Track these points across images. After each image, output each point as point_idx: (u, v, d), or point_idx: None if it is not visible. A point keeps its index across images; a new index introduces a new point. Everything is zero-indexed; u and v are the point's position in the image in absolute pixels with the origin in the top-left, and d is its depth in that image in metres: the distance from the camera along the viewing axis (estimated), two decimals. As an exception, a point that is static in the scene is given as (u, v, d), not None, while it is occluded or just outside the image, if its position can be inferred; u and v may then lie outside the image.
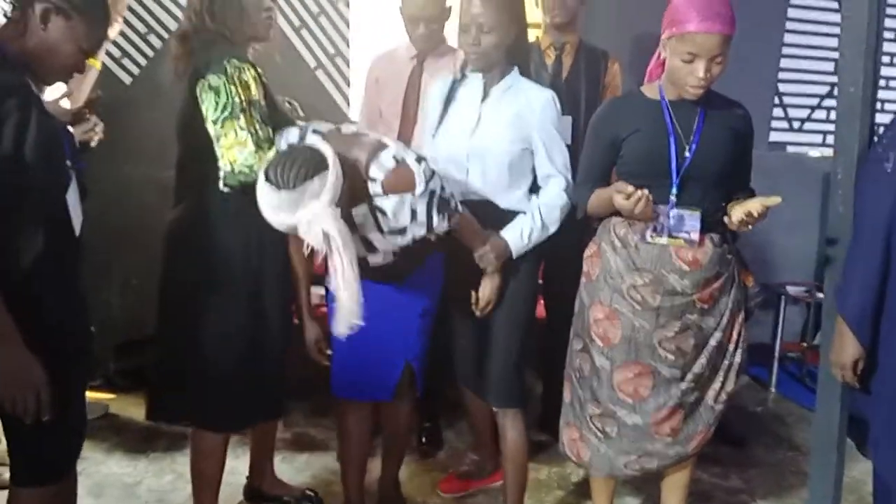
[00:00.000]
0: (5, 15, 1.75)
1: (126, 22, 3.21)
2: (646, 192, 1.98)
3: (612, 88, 2.93)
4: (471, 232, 2.16)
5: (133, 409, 3.19)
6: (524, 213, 2.25)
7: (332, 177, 1.73)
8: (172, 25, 3.45)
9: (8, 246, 1.65)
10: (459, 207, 2.06)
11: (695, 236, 2.08)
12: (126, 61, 3.47)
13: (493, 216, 2.23)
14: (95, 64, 2.68)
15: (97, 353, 2.08)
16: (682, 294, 2.11)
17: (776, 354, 3.84)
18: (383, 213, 1.93)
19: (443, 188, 1.96)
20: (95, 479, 2.72)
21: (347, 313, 1.78)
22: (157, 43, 3.48)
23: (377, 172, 1.90)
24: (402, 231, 1.97)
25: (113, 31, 2.78)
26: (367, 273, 1.95)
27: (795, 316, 4.01)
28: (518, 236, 2.21)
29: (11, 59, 1.68)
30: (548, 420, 2.83)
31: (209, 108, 2.05)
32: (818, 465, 2.32)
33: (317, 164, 1.74)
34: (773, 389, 3.82)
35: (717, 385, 2.21)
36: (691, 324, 2.14)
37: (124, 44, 3.40)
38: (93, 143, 2.42)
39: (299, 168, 1.72)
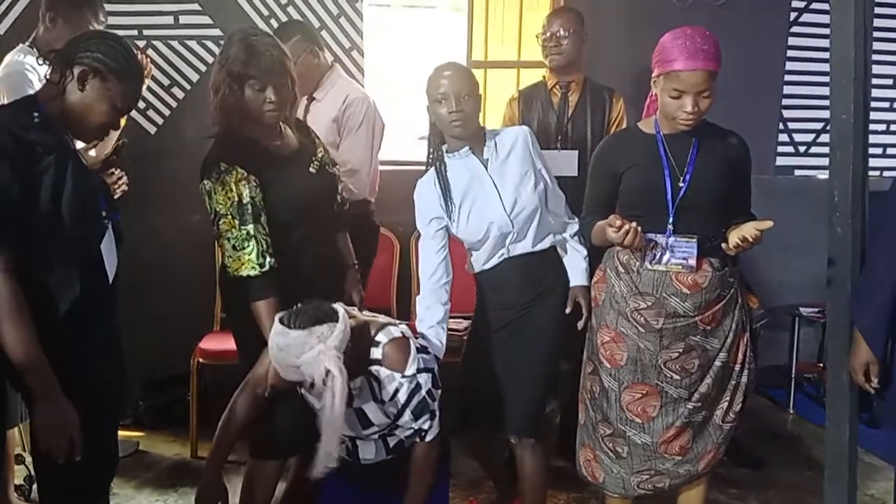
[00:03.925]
0: (46, 77, 1.87)
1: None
2: (634, 224, 2.08)
3: (618, 123, 3.01)
4: None
5: (162, 446, 3.30)
6: (556, 243, 2.40)
7: (340, 326, 1.87)
8: (193, 77, 3.62)
9: (45, 294, 1.76)
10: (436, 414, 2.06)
11: (692, 262, 2.17)
12: (151, 112, 3.63)
13: (538, 263, 2.36)
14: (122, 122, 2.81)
15: (127, 391, 2.17)
16: (685, 316, 2.19)
17: (793, 375, 3.86)
18: (378, 381, 2.00)
19: (430, 391, 2.01)
20: (127, 513, 2.81)
21: (325, 456, 1.87)
22: (179, 94, 3.64)
23: (383, 338, 2.00)
24: (396, 409, 2.00)
25: (143, 88, 2.92)
26: (358, 478, 2.03)
27: (810, 337, 4.03)
28: (584, 275, 2.40)
29: (50, 118, 1.79)
30: (566, 446, 2.88)
31: (208, 208, 2.20)
32: (832, 484, 2.34)
33: (328, 314, 1.89)
34: (790, 411, 3.83)
35: (724, 404, 2.27)
36: (695, 345, 2.21)
37: (148, 95, 3.55)
38: (117, 194, 2.56)
39: (311, 314, 1.87)
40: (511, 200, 2.29)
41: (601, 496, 2.47)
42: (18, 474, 2.79)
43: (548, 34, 2.98)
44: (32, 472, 2.59)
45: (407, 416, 1.99)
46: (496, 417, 2.43)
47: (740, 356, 2.27)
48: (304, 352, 1.82)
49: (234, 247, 2.16)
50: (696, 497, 2.39)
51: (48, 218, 1.73)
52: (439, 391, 2.06)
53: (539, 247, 2.36)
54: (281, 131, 2.31)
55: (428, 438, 2.03)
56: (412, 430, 2.02)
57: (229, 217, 2.15)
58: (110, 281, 1.93)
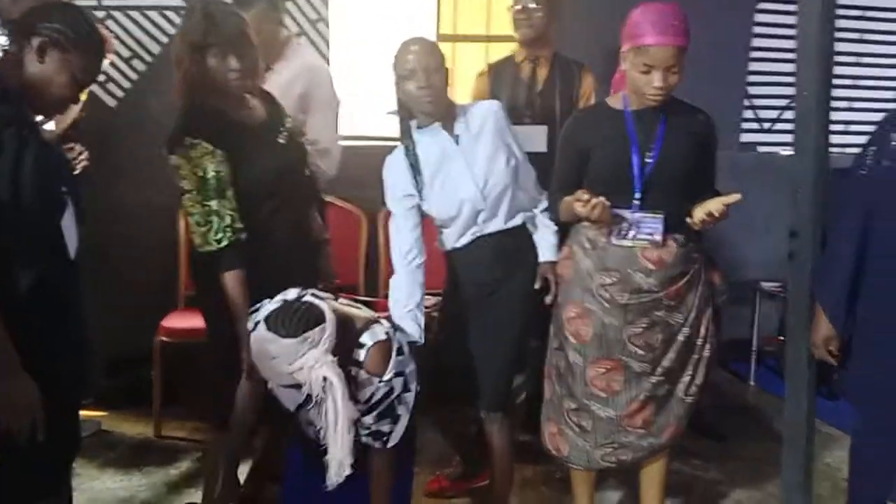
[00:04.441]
0: (2, 49, 1.82)
1: (108, 47, 3.28)
2: (602, 199, 2.08)
3: (586, 98, 3.01)
4: None
5: (125, 426, 3.27)
6: (527, 219, 2.39)
7: (329, 328, 1.81)
8: (155, 48, 3.54)
9: (4, 271, 1.72)
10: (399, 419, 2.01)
11: (658, 238, 2.18)
12: (111, 85, 3.55)
13: (510, 240, 2.35)
14: (82, 96, 2.75)
15: (90, 371, 2.14)
16: (649, 292, 2.21)
17: (754, 349, 3.94)
18: (356, 382, 1.94)
19: (399, 396, 1.97)
20: (89, 494, 2.77)
21: (337, 465, 1.82)
22: (140, 66, 3.56)
23: (368, 340, 1.94)
24: (364, 409, 1.96)
25: (104, 63, 2.84)
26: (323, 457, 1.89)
27: (771, 311, 4.11)
28: (553, 251, 2.39)
29: (9, 91, 1.74)
30: (532, 420, 2.90)
31: (177, 183, 2.17)
32: (790, 454, 2.40)
33: (316, 317, 1.82)
34: (752, 383, 3.91)
35: (686, 378, 2.31)
36: (659, 320, 2.23)
37: (108, 68, 3.47)
38: (78, 170, 2.50)
39: (300, 318, 1.80)
40: (483, 177, 2.28)
41: (566, 469, 2.50)
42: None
43: (519, 6, 2.95)
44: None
45: (371, 417, 1.95)
46: (465, 393, 2.44)
47: (703, 331, 2.30)
48: (297, 359, 1.78)
49: (197, 222, 2.14)
50: (659, 469, 2.42)
51: (7, 193, 1.69)
52: (410, 394, 2.00)
53: (511, 224, 2.35)
54: (247, 102, 2.28)
55: (390, 443, 1.98)
56: (370, 432, 1.97)
57: (194, 192, 2.13)
58: (72, 258, 1.89)
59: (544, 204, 2.43)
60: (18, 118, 1.74)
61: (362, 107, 3.89)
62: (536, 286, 2.38)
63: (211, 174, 2.12)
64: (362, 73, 3.85)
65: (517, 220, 2.37)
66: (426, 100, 2.20)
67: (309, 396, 1.82)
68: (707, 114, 2.30)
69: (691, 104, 2.29)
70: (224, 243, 2.13)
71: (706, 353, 2.31)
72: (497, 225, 2.33)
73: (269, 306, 1.90)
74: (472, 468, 2.80)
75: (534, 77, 3.01)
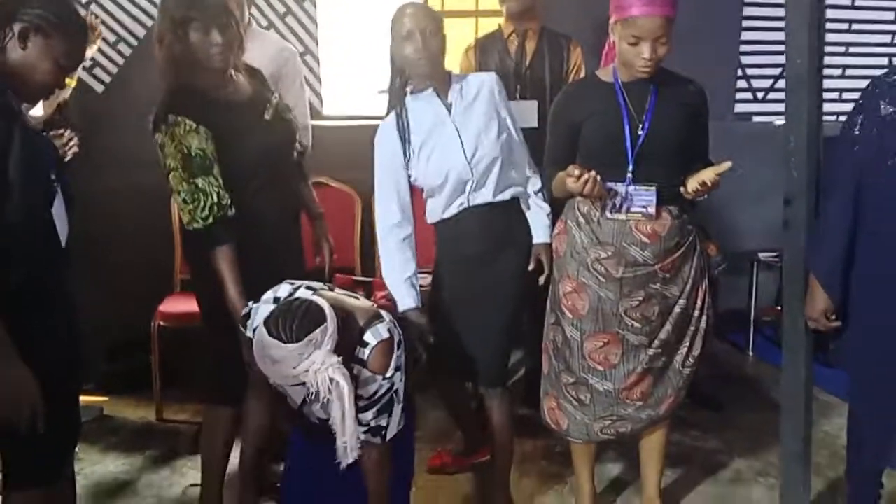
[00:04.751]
0: None
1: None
2: (593, 173, 2.07)
3: (575, 72, 3.00)
4: None
5: (127, 410, 3.28)
6: (518, 196, 2.38)
7: (331, 327, 1.74)
8: (140, 32, 3.51)
9: None
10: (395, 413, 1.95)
11: (651, 210, 2.18)
12: (97, 70, 3.52)
13: (499, 214, 2.34)
14: (71, 82, 2.73)
15: (89, 357, 2.15)
16: (644, 265, 2.21)
17: (752, 319, 3.95)
18: (357, 380, 1.86)
19: (397, 390, 1.92)
20: (92, 479, 2.79)
21: (345, 449, 1.78)
22: (126, 51, 3.53)
23: (371, 338, 1.87)
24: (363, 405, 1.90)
25: (91, 51, 2.82)
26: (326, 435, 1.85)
27: (769, 281, 4.11)
28: (547, 232, 2.39)
29: None
30: (532, 395, 2.92)
31: (162, 162, 2.17)
32: (788, 422, 2.42)
33: (317, 317, 1.74)
34: (750, 353, 3.93)
35: (683, 350, 2.32)
36: (654, 293, 2.24)
37: (94, 53, 3.44)
38: (69, 156, 2.48)
39: (301, 320, 1.72)
40: (472, 147, 2.26)
41: (566, 443, 2.52)
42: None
43: None
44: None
45: (370, 413, 1.90)
46: (463, 369, 2.45)
47: (699, 302, 2.30)
48: (302, 362, 1.72)
49: (184, 200, 2.14)
50: (658, 440, 2.44)
51: None
52: (403, 384, 1.95)
53: (500, 197, 2.33)
54: (231, 78, 2.26)
55: (388, 437, 1.94)
56: (368, 428, 1.92)
57: (179, 170, 2.12)
58: (63, 245, 1.89)
59: (538, 183, 2.42)
60: (2, 107, 1.72)
61: (352, 86, 3.86)
62: (530, 267, 2.38)
63: (196, 151, 2.11)
64: (351, 52, 3.81)
65: (506, 195, 2.35)
66: (422, 62, 2.19)
67: (314, 393, 1.78)
68: (698, 84, 2.29)
69: (682, 75, 2.28)
70: (211, 220, 2.13)
71: (703, 324, 2.32)
72: (485, 197, 2.31)
73: (263, 308, 1.85)
74: (474, 444, 2.82)
75: (522, 51, 2.99)
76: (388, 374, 1.88)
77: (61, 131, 2.62)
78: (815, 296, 2.09)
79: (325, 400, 1.74)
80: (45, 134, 2.20)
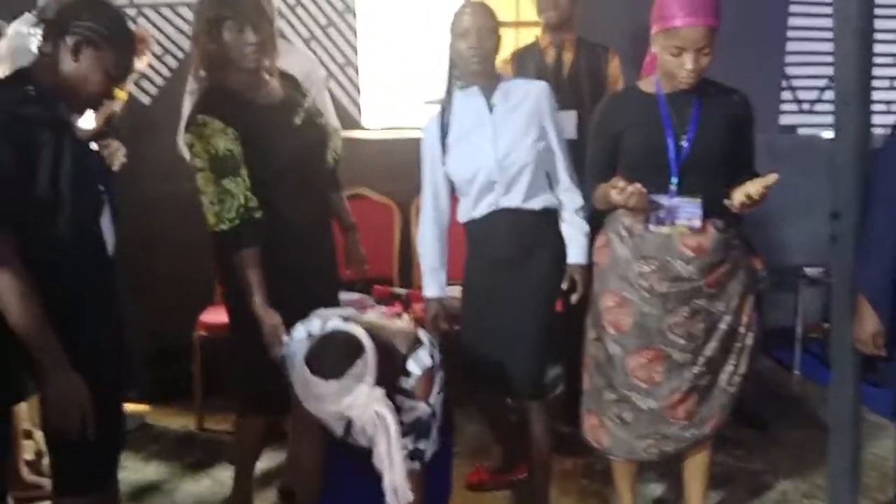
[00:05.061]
0: (39, 49, 1.84)
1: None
2: (638, 185, 2.05)
3: (613, 82, 2.97)
4: None
5: (167, 419, 3.32)
6: (551, 208, 2.38)
7: (371, 357, 1.72)
8: (186, 44, 3.56)
9: (47, 271, 1.74)
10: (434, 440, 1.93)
11: (696, 223, 2.14)
12: (144, 83, 3.59)
13: (530, 223, 2.36)
14: (122, 95, 2.77)
15: (131, 366, 2.18)
16: (689, 280, 2.17)
17: (797, 336, 3.86)
18: (400, 409, 1.82)
19: (435, 410, 1.90)
20: (135, 486, 2.82)
21: (394, 492, 1.74)
22: (172, 63, 3.59)
23: (415, 368, 1.85)
24: (410, 430, 1.87)
25: (141, 64, 2.88)
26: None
27: (815, 297, 4.01)
28: (583, 253, 2.38)
29: (45, 91, 1.77)
30: (572, 412, 2.88)
31: (190, 162, 2.19)
32: (836, 443, 2.35)
33: (356, 348, 1.72)
34: (796, 371, 3.83)
35: (729, 368, 2.26)
36: (700, 308, 2.19)
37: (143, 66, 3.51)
38: (115, 167, 2.53)
39: (340, 354, 1.70)
40: (504, 149, 2.29)
41: (606, 461, 2.48)
42: (28, 449, 2.82)
43: None
44: (42, 448, 2.61)
45: (410, 438, 1.86)
46: (495, 378, 2.44)
47: (745, 319, 2.25)
48: (346, 396, 1.69)
49: (211, 201, 2.15)
50: (702, 460, 2.39)
51: (47, 194, 1.72)
52: (441, 405, 1.91)
53: (529, 205, 2.34)
54: (264, 81, 2.27)
55: (426, 459, 1.91)
56: (408, 452, 1.87)
57: (207, 171, 2.14)
58: (110, 254, 1.92)
59: (578, 200, 2.40)
60: (55, 119, 1.76)
61: (393, 97, 3.88)
62: (564, 286, 2.38)
63: (224, 152, 2.12)
64: (390, 63, 3.83)
65: (537, 204, 2.35)
66: (474, 59, 2.27)
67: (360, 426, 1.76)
68: (742, 93, 2.25)
69: (726, 85, 2.24)
70: (238, 222, 2.13)
71: (749, 341, 2.26)
72: (513, 201, 2.33)
73: (297, 345, 1.79)
74: (512, 460, 2.79)
75: (559, 62, 2.97)
76: (431, 401, 1.85)
77: (108, 142, 2.67)
78: (863, 317, 2.03)
79: (372, 435, 1.72)
80: (93, 145, 2.24)
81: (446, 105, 2.38)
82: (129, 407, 3.23)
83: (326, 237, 2.42)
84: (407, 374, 1.83)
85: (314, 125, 2.35)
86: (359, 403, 1.69)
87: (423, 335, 1.90)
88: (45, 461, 2.45)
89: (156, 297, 3.46)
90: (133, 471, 2.91)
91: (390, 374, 1.79)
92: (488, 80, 2.34)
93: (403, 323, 1.97)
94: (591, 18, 3.18)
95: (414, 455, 1.88)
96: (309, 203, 2.31)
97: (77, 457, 1.84)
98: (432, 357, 1.86)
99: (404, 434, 1.82)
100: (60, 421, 1.75)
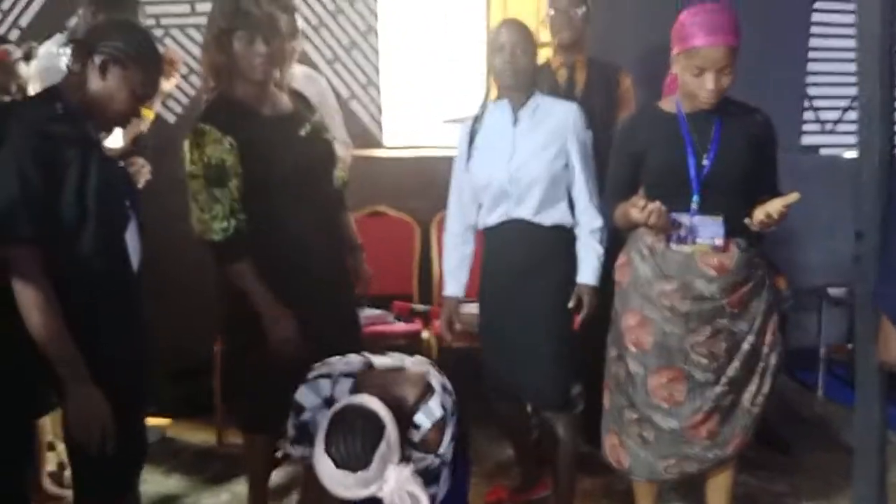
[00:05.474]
0: (67, 67, 1.89)
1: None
2: (657, 204, 2.05)
3: (625, 102, 2.96)
4: None
5: (188, 433, 3.34)
6: (565, 226, 2.41)
7: (393, 434, 1.63)
8: (212, 65, 3.62)
9: (72, 285, 1.77)
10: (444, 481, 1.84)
11: (719, 242, 2.14)
12: (170, 102, 3.64)
13: (541, 237, 2.39)
14: (149, 114, 2.82)
15: (153, 380, 2.20)
16: (711, 299, 2.16)
17: (821, 357, 3.81)
18: (409, 460, 1.73)
19: (445, 458, 1.81)
20: (156, 499, 2.83)
21: None
22: (197, 83, 3.64)
23: (424, 420, 1.76)
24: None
25: (169, 85, 2.93)
26: None
27: (838, 318, 3.97)
28: (593, 274, 2.40)
29: (73, 109, 1.81)
30: (591, 431, 2.87)
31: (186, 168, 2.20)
32: (861, 465, 2.32)
33: (376, 429, 1.61)
34: (819, 393, 3.79)
35: (752, 388, 2.24)
36: (722, 328, 2.18)
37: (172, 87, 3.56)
38: (141, 184, 2.57)
39: (363, 442, 1.59)
40: (519, 161, 2.36)
41: (627, 481, 2.46)
42: (50, 461, 2.84)
43: (557, 8, 2.91)
44: (64, 459, 2.63)
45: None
46: (514, 386, 2.48)
47: (768, 338, 2.24)
48: (375, 481, 1.60)
49: (201, 209, 2.16)
50: (725, 481, 2.36)
51: (73, 210, 1.75)
52: (452, 448, 1.82)
53: (540, 219, 2.38)
54: (272, 93, 2.28)
55: (438, 501, 1.82)
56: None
57: (200, 178, 2.15)
58: (135, 270, 1.94)
59: (597, 224, 2.41)
60: (82, 137, 1.80)
61: (413, 116, 3.91)
62: (570, 304, 2.39)
63: (216, 160, 2.13)
64: (412, 83, 3.87)
65: (548, 219, 2.39)
66: (507, 74, 2.36)
67: None
68: (764, 113, 2.25)
69: (747, 104, 2.24)
70: (230, 233, 2.14)
71: (772, 361, 2.25)
72: (525, 213, 2.38)
73: (314, 409, 1.74)
74: (531, 479, 2.78)
75: (571, 82, 2.97)
76: (442, 451, 1.78)
77: (134, 159, 2.71)
78: (888, 337, 2.00)
79: None
80: (120, 162, 2.28)
81: (479, 113, 2.47)
82: (150, 421, 3.26)
83: (332, 251, 2.39)
84: (416, 426, 1.74)
85: (320, 139, 2.35)
86: (389, 488, 1.61)
87: (434, 380, 1.81)
88: (68, 473, 2.48)
89: (178, 312, 3.49)
90: (154, 484, 2.92)
91: (400, 429, 1.68)
92: (520, 95, 2.40)
93: (413, 364, 1.87)
94: (602, 38, 3.19)
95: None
96: (311, 215, 2.29)
97: (98, 469, 1.85)
98: (443, 406, 1.77)
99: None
100: (80, 435, 1.77)
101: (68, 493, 2.38)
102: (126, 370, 1.88)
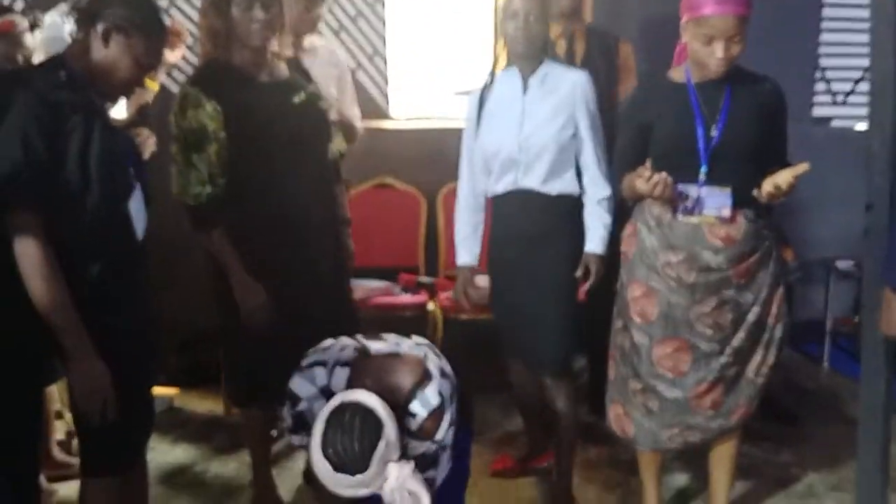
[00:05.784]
0: (71, 36, 1.87)
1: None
2: (663, 175, 2.04)
3: (625, 71, 2.94)
4: None
5: (195, 403, 3.36)
6: (572, 195, 2.39)
7: (391, 431, 1.57)
8: (217, 35, 3.59)
9: (75, 254, 1.77)
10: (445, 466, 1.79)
11: (726, 213, 2.12)
12: (176, 73, 3.61)
13: (547, 206, 2.38)
14: (153, 85, 2.81)
15: (159, 350, 2.21)
16: (718, 270, 2.15)
17: (828, 330, 3.81)
18: (405, 447, 1.67)
19: (444, 443, 1.74)
20: (164, 467, 2.87)
21: None
22: (203, 52, 3.62)
23: (420, 409, 1.68)
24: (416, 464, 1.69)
25: (175, 56, 2.91)
26: None
27: (846, 291, 3.96)
28: (601, 243, 2.39)
29: (77, 77, 1.80)
30: (596, 402, 2.88)
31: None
32: (865, 436, 2.33)
33: (374, 429, 1.55)
34: (825, 365, 3.79)
35: (757, 358, 2.24)
36: (728, 299, 2.18)
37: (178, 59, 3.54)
38: (146, 155, 2.56)
39: (361, 444, 1.53)
40: (528, 129, 2.35)
41: (631, 451, 2.48)
42: (59, 430, 2.87)
43: None
44: (72, 428, 2.66)
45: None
46: (519, 350, 2.51)
47: (774, 310, 2.23)
48: (375, 483, 1.56)
49: (180, 172, 2.18)
50: (728, 451, 2.37)
51: (76, 177, 1.75)
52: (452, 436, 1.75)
53: (547, 188, 2.37)
54: (268, 60, 2.27)
55: (436, 484, 1.76)
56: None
57: (181, 142, 2.16)
58: (140, 239, 1.94)
59: (605, 193, 2.39)
60: (85, 104, 1.79)
61: (419, 88, 3.88)
62: (577, 274, 2.38)
63: (196, 125, 2.13)
64: (418, 53, 3.84)
65: (555, 188, 2.38)
66: (518, 41, 2.34)
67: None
68: (774, 81, 2.22)
69: (756, 73, 2.21)
70: (203, 200, 2.15)
71: (777, 332, 2.24)
72: (532, 182, 2.37)
73: (307, 404, 1.69)
74: (537, 447, 2.80)
75: (571, 53, 2.93)
76: (439, 437, 1.71)
77: (140, 130, 2.71)
78: (892, 312, 1.99)
79: None
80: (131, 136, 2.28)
81: (489, 80, 2.45)
82: (157, 390, 3.28)
83: (323, 222, 2.36)
84: (412, 414, 1.68)
85: (314, 108, 2.33)
86: (390, 487, 1.57)
87: (432, 365, 1.73)
88: (76, 441, 2.52)
89: (185, 282, 3.50)
90: (161, 453, 2.95)
91: (396, 417, 1.62)
92: (530, 62, 2.38)
93: (410, 348, 1.80)
94: (603, 9, 3.15)
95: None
96: (304, 184, 2.27)
97: (105, 438, 1.86)
98: (441, 394, 1.69)
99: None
100: (83, 405, 1.78)
101: (76, 461, 2.41)
102: (131, 339, 1.89)
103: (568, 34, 2.94)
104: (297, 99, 2.28)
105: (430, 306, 3.35)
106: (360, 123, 3.05)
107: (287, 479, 2.72)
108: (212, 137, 2.14)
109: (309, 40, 2.91)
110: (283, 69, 2.32)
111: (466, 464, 2.04)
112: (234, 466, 2.89)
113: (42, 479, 2.47)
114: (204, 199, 2.17)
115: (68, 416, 2.78)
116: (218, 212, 2.18)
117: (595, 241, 2.39)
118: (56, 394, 2.74)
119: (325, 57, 2.95)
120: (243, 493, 2.67)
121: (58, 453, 2.75)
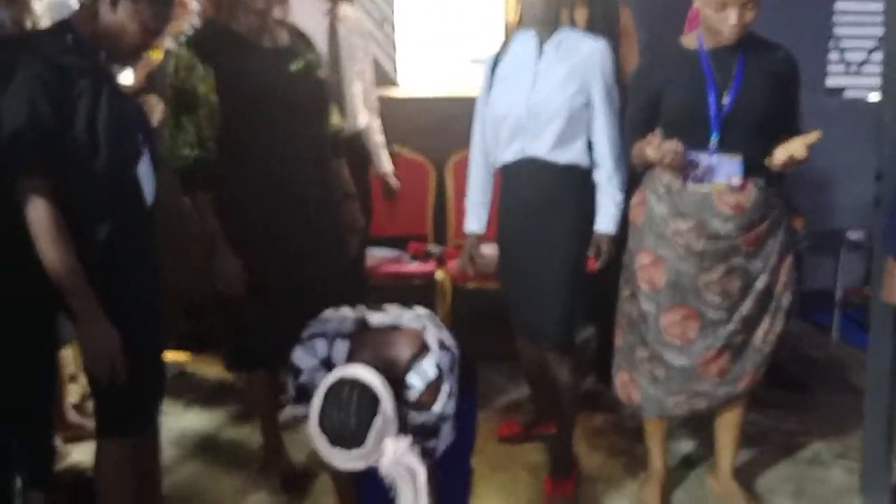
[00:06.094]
0: (79, 1, 1.87)
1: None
2: (674, 142, 2.02)
3: (626, 36, 2.88)
4: None
5: (205, 368, 3.39)
6: (580, 166, 2.36)
7: (388, 406, 1.58)
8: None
9: (83, 218, 1.79)
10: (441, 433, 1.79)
11: (736, 181, 2.11)
12: (182, 38, 3.60)
13: (555, 176, 2.35)
14: (159, 54, 2.80)
15: (169, 315, 2.23)
16: (726, 238, 2.15)
17: (837, 300, 3.81)
18: (403, 418, 1.67)
19: (444, 414, 1.75)
20: (176, 431, 2.90)
21: None
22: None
23: (417, 381, 1.68)
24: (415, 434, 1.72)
25: (183, 25, 2.90)
26: None
27: (856, 261, 3.95)
28: (612, 222, 2.37)
29: (84, 41, 1.80)
30: (603, 370, 2.90)
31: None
32: (872, 404, 2.34)
33: (371, 404, 1.56)
34: (834, 335, 3.79)
35: (765, 326, 2.24)
36: (737, 266, 2.17)
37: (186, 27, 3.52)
38: (154, 122, 2.57)
39: (357, 419, 1.54)
40: (538, 95, 2.31)
41: (637, 418, 2.49)
42: (74, 392, 2.91)
43: None
44: (87, 391, 2.70)
45: (416, 440, 1.70)
46: (524, 324, 2.50)
47: (783, 278, 2.23)
48: (372, 457, 1.58)
49: (170, 134, 2.18)
50: (734, 418, 2.39)
51: (84, 141, 1.75)
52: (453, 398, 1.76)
53: (555, 157, 2.33)
54: (269, 26, 2.26)
55: (437, 454, 1.78)
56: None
57: (172, 103, 2.17)
58: (148, 204, 1.95)
59: (612, 166, 2.36)
60: (93, 69, 1.79)
61: (428, 55, 3.86)
62: (589, 253, 2.38)
63: (187, 87, 2.14)
64: (428, 21, 3.80)
65: (563, 157, 2.34)
66: (535, 4, 2.31)
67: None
68: (788, 51, 2.19)
69: (770, 40, 2.18)
70: (190, 162, 2.15)
71: (785, 301, 2.24)
72: (540, 150, 2.33)
73: (308, 376, 1.70)
74: (544, 414, 2.82)
75: (572, 22, 2.89)
76: (437, 409, 1.72)
77: (148, 96, 2.71)
78: (893, 282, 1.99)
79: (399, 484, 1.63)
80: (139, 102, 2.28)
81: (504, 43, 2.42)
82: (168, 355, 3.31)
83: (318, 191, 2.35)
84: (409, 386, 1.68)
85: (312, 77, 2.32)
86: (386, 461, 1.59)
87: (430, 337, 1.73)
88: (90, 404, 2.56)
89: (193, 248, 3.51)
90: (173, 417, 2.98)
91: (393, 389, 1.63)
92: (548, 27, 2.33)
93: (410, 320, 1.79)
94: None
95: (423, 454, 1.71)
96: (298, 153, 2.26)
97: (118, 401, 1.89)
98: (438, 366, 1.69)
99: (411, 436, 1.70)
100: (93, 367, 1.81)
101: (90, 423, 2.45)
102: (141, 303, 1.91)
103: (569, 3, 2.89)
104: (294, 66, 2.27)
105: (439, 275, 3.36)
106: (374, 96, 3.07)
107: (302, 443, 2.73)
108: (202, 100, 2.14)
109: (343, 9, 2.92)
110: (283, 35, 2.31)
111: (472, 428, 2.06)
112: (245, 431, 2.92)
113: (57, 440, 2.51)
114: (191, 162, 2.16)
115: (83, 379, 2.83)
116: (204, 176, 2.17)
117: (606, 221, 2.37)
118: (70, 357, 2.77)
119: (356, 27, 2.97)
120: (255, 457, 2.70)
121: (72, 415, 2.80)
